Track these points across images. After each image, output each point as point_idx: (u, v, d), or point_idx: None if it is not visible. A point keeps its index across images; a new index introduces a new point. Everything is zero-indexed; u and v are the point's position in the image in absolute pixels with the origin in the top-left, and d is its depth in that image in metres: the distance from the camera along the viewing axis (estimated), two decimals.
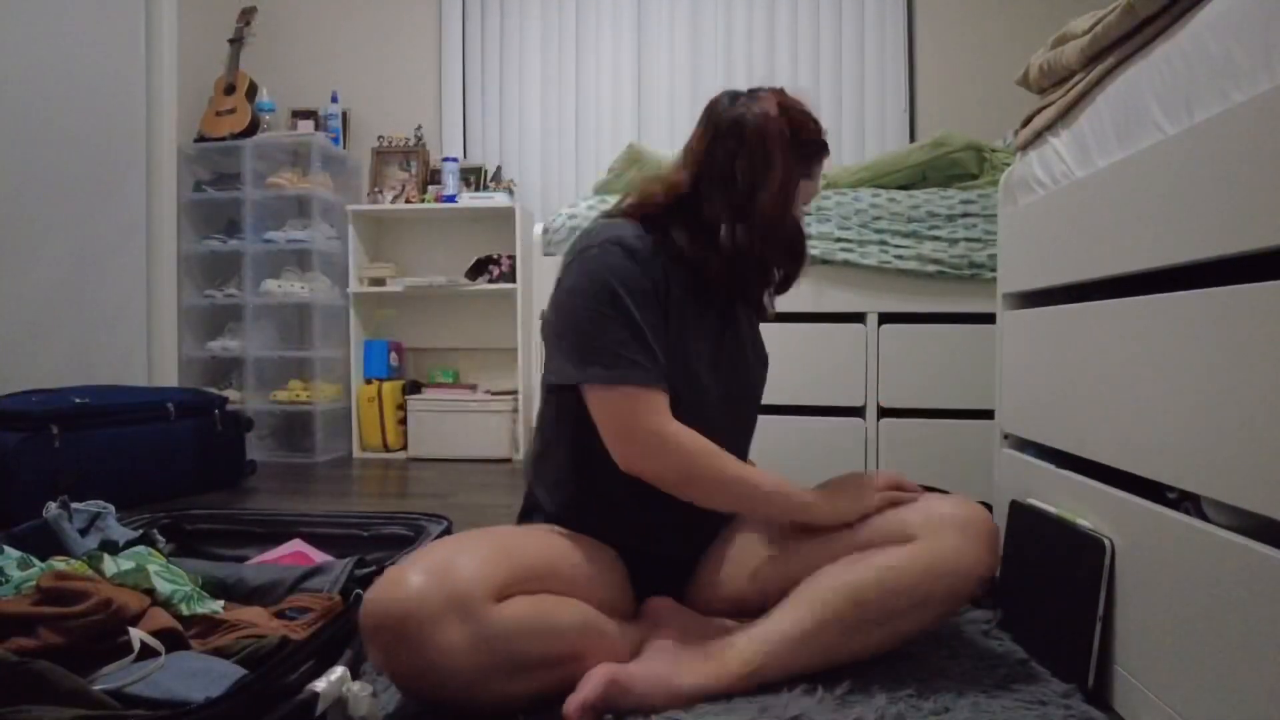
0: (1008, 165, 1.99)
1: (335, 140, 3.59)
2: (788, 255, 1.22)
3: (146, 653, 0.91)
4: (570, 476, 1.17)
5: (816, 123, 1.22)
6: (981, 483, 1.69)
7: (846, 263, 2.35)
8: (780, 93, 1.21)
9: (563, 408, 1.16)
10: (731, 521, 1.26)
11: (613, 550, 1.15)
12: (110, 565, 1.08)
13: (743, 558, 1.20)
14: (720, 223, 1.15)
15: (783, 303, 1.36)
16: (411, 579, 0.89)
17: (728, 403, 1.22)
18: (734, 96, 1.21)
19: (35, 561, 1.15)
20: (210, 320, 3.46)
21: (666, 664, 1.03)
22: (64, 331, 2.83)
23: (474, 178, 3.57)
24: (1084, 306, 1.27)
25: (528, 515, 1.24)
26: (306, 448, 3.32)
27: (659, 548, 1.19)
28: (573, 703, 0.93)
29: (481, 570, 0.92)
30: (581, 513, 1.16)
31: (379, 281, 3.53)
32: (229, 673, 0.90)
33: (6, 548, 1.18)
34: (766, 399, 1.36)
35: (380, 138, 3.68)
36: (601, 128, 3.58)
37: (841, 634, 1.06)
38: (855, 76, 3.46)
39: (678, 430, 1.09)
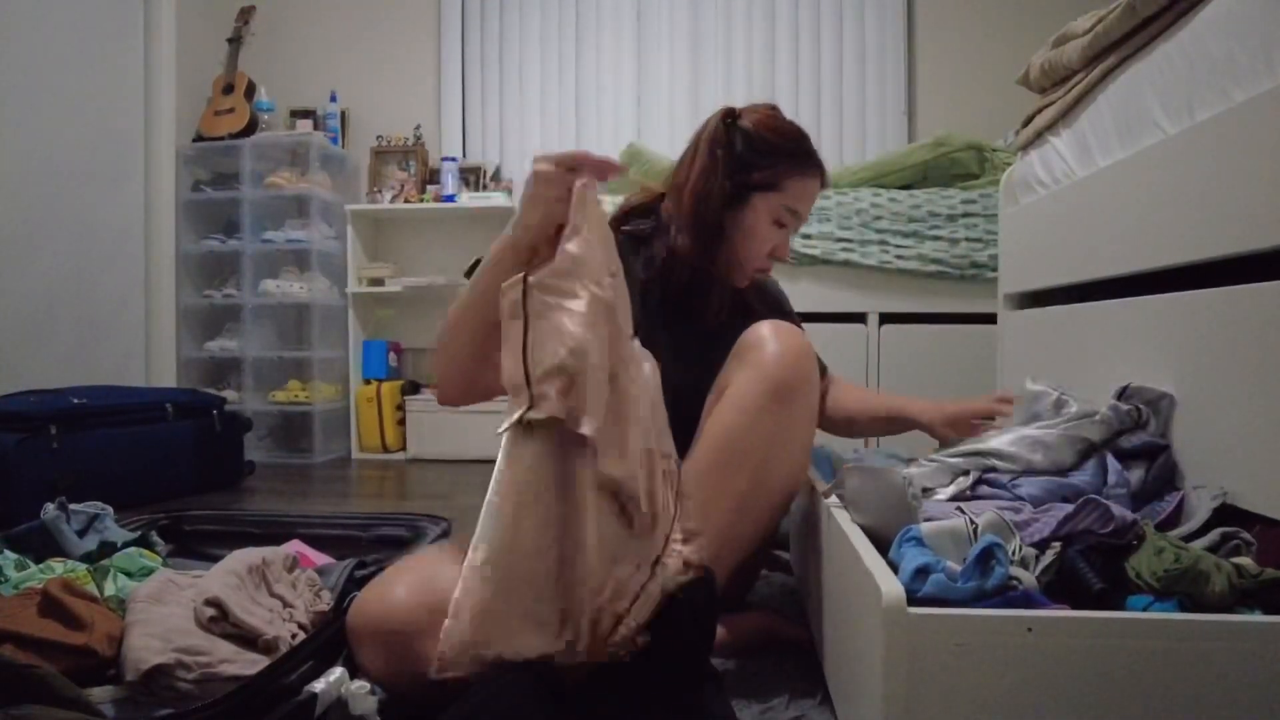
0: (1009, 165, 1.99)
1: (334, 140, 3.59)
2: (708, 257, 1.20)
3: None
4: None
5: (790, 138, 1.22)
6: None
7: (847, 263, 2.34)
8: (761, 108, 1.24)
9: None
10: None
11: None
12: (110, 585, 1.08)
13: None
14: (670, 225, 1.23)
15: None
16: (396, 593, 0.91)
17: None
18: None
19: (31, 564, 1.15)
20: (209, 320, 3.45)
21: None
22: (63, 331, 2.82)
23: (473, 177, 3.57)
24: (1084, 306, 1.27)
25: None
26: (305, 448, 3.31)
27: None
28: None
29: None
30: None
31: (378, 281, 3.52)
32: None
33: (6, 550, 1.18)
34: None
35: (379, 137, 3.68)
36: (602, 128, 3.58)
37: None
38: (855, 77, 3.46)
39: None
